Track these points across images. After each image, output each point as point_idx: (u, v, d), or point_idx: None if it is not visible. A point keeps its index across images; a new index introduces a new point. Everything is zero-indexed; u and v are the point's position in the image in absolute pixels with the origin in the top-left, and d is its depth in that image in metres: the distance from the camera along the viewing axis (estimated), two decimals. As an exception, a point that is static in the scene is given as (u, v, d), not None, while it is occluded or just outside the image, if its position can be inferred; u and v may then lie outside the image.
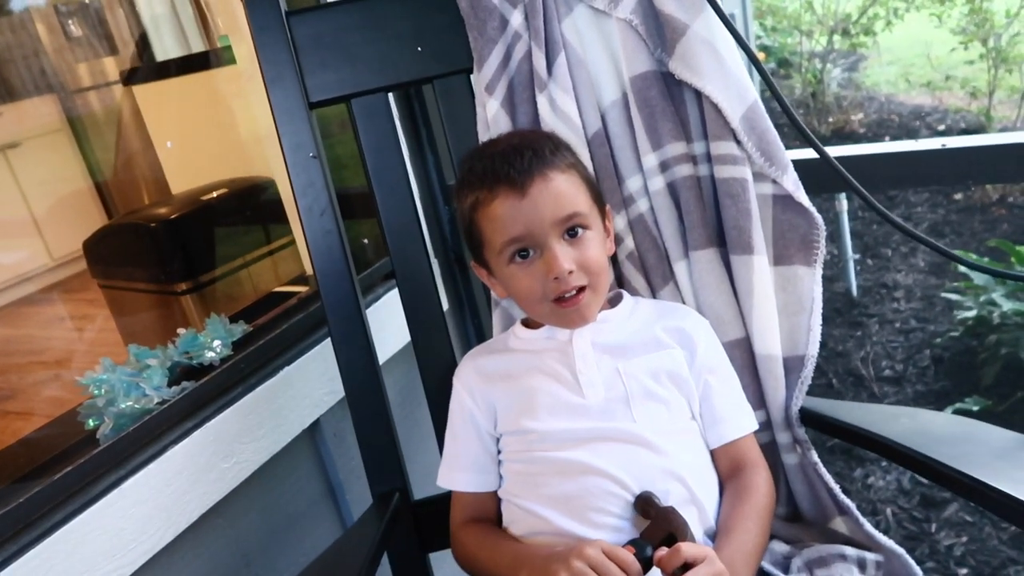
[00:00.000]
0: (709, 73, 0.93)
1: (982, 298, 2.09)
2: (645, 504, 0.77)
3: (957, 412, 1.98)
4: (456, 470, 0.91)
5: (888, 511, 1.78)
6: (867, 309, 2.59)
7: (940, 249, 0.92)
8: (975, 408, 1.96)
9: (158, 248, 1.49)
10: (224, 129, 1.78)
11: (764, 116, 0.95)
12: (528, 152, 0.82)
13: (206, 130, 1.83)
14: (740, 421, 0.88)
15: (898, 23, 4.38)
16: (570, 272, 0.81)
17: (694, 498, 0.81)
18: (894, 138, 4.21)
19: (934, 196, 3.29)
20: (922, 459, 0.71)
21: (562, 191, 0.82)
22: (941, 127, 4.23)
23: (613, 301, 0.93)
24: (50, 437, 1.04)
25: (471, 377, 0.92)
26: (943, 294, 2.52)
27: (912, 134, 4.21)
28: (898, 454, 0.76)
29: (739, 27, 4.42)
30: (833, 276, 2.80)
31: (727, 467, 0.86)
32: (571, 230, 0.82)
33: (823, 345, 0.99)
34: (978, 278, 2.14)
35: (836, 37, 4.56)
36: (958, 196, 3.23)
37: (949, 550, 1.65)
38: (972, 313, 2.15)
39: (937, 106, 4.39)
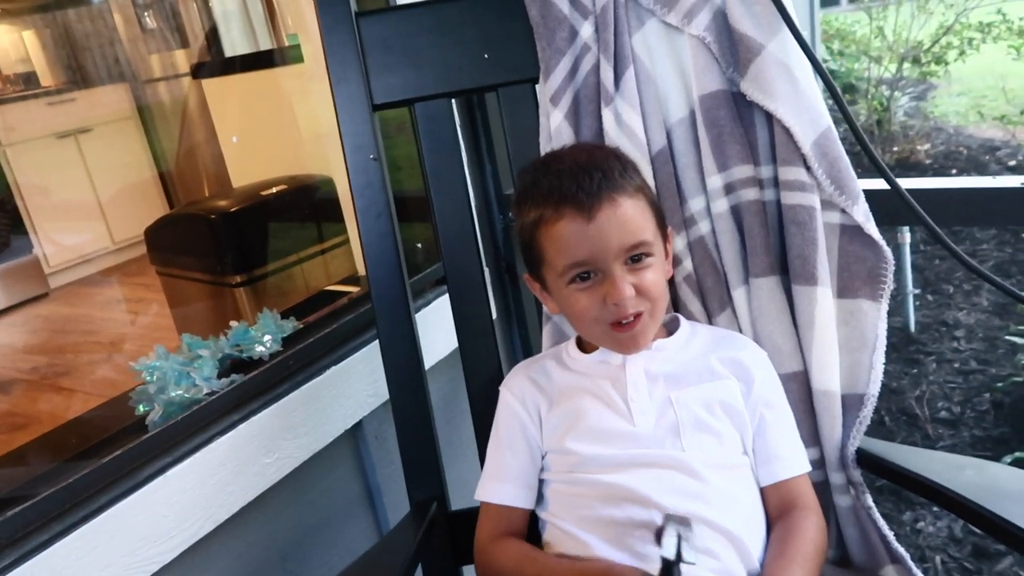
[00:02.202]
0: (782, 96, 0.90)
1: (1050, 343, 2.01)
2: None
3: (1016, 461, 1.89)
4: (501, 481, 0.88)
5: (937, 559, 1.71)
6: (925, 347, 2.50)
7: (1014, 293, 0.88)
8: (1036, 458, 1.87)
9: (216, 240, 1.51)
10: (286, 126, 1.80)
11: (837, 143, 0.92)
12: (598, 173, 0.80)
13: (269, 126, 1.86)
14: (794, 460, 0.84)
15: (972, 54, 4.25)
16: (629, 298, 0.79)
17: (737, 535, 0.78)
18: (961, 171, 4.08)
19: (1001, 234, 3.17)
20: (990, 516, 0.68)
21: (630, 217, 0.80)
22: (1012, 162, 4.09)
23: (669, 326, 0.91)
24: (102, 418, 1.06)
25: (523, 386, 0.90)
26: (1007, 336, 2.43)
27: (981, 168, 4.07)
28: (963, 508, 0.72)
29: (806, 50, 4.34)
30: (891, 310, 2.71)
31: (777, 507, 0.83)
32: (635, 257, 0.80)
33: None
34: (1046, 322, 2.05)
35: (906, 65, 4.44)
36: (1027, 234, 3.11)
37: (1002, 605, 1.58)
38: (1038, 358, 2.06)
39: (1009, 140, 4.24)
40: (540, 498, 0.88)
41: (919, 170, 4.19)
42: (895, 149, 4.39)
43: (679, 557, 0.65)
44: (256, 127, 1.95)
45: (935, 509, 1.80)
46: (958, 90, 5.39)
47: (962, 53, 4.30)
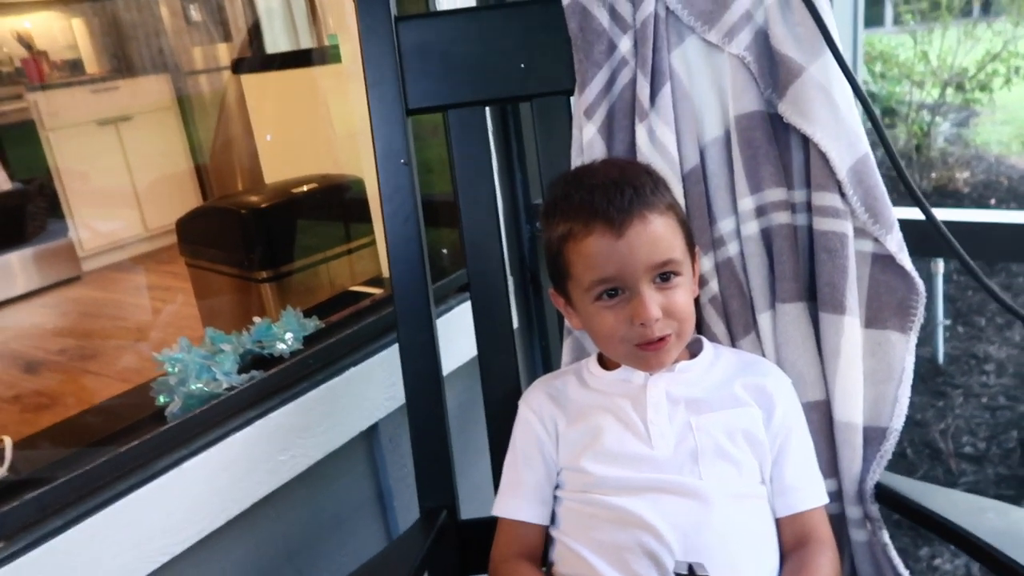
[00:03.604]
0: (821, 120, 0.89)
1: (1084, 384, 1.95)
2: None
3: (1043, 503, 1.85)
4: (517, 498, 0.87)
5: (955, 597, 1.67)
6: (952, 379, 2.46)
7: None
8: (1064, 501, 1.82)
9: (245, 234, 1.53)
10: (321, 125, 1.81)
11: (874, 170, 0.90)
12: (629, 189, 0.79)
13: (304, 124, 1.87)
14: (811, 492, 0.83)
15: (1018, 82, 4.17)
16: (657, 320, 0.78)
17: (745, 568, 0.77)
18: (1000, 202, 4.00)
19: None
20: (1010, 564, 0.66)
21: (660, 235, 0.79)
22: (1054, 196, 4.01)
23: (692, 348, 0.89)
24: (123, 406, 1.07)
25: (541, 402, 0.89)
26: (1040, 373, 2.38)
27: (1021, 200, 4.00)
28: (983, 553, 0.70)
29: (847, 71, 4.29)
30: (920, 340, 2.67)
31: (791, 539, 0.81)
32: (664, 275, 0.79)
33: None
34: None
35: (948, 90, 4.37)
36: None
37: (1020, 650, 1.53)
38: (1071, 398, 2.01)
39: (1053, 173, 4.16)
40: (551, 515, 0.87)
41: (956, 198, 4.12)
42: (933, 175, 4.33)
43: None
44: (291, 124, 1.97)
45: (953, 547, 1.76)
46: (1001, 118, 5.29)
47: (1008, 81, 4.22)
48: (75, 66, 4.21)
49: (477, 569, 0.99)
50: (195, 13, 4.12)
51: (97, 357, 2.68)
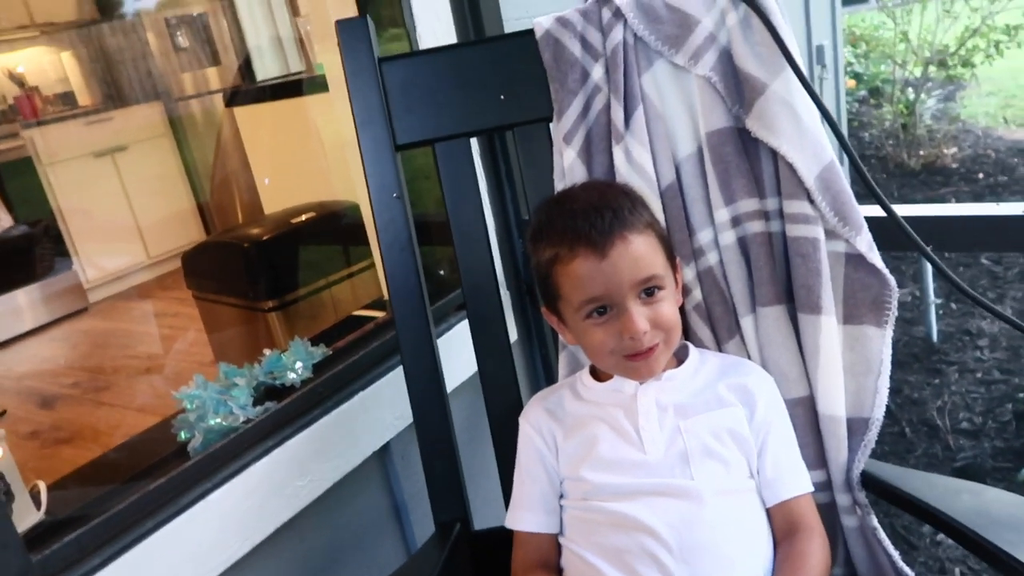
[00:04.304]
0: (785, 133, 0.94)
1: (1074, 354, 2.00)
2: None
3: (1039, 473, 1.89)
4: (524, 510, 0.93)
5: (957, 571, 1.72)
6: (947, 356, 2.50)
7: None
8: (1059, 469, 1.87)
9: (249, 267, 1.58)
10: (314, 152, 1.86)
11: (840, 176, 0.95)
12: (608, 212, 0.84)
13: (298, 152, 1.92)
14: (795, 480, 0.88)
15: (999, 57, 4.20)
16: (645, 332, 0.83)
17: (743, 562, 0.82)
18: (989, 175, 4.03)
19: None
20: (980, 541, 0.71)
21: (641, 253, 0.84)
22: (1042, 165, 4.04)
23: (679, 355, 0.94)
24: (147, 443, 1.13)
25: (540, 417, 0.94)
26: (1032, 346, 2.42)
27: (1009, 171, 4.03)
28: (956, 531, 0.75)
29: (828, 56, 4.33)
30: (913, 319, 2.71)
31: (781, 527, 0.86)
32: (648, 290, 0.85)
33: (897, 392, 0.98)
34: (1070, 332, 2.04)
35: (931, 68, 4.41)
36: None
37: (1022, 617, 1.58)
38: (1062, 369, 2.05)
39: (1039, 143, 4.19)
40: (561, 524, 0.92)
41: (945, 175, 4.15)
42: (921, 153, 4.36)
43: None
44: (285, 153, 2.02)
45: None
46: (987, 90, 5.32)
47: (988, 56, 4.25)
48: (67, 99, 4.26)
49: (492, 577, 1.04)
50: (182, 39, 4.17)
51: (111, 388, 2.73)
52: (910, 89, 4.64)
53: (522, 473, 0.94)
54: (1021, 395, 2.24)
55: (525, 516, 0.92)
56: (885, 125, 4.63)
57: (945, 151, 4.32)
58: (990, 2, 4.04)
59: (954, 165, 4.22)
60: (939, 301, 2.68)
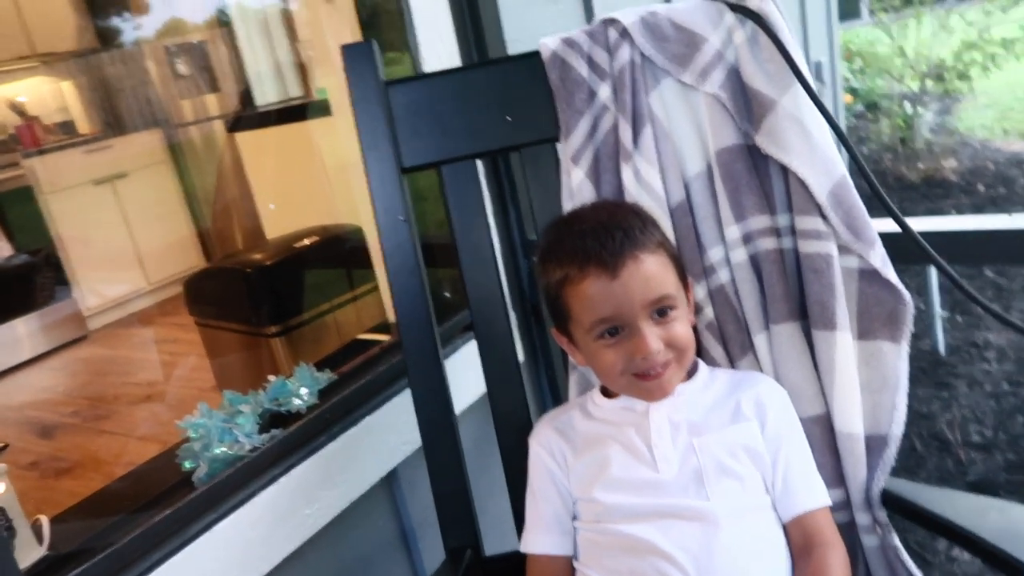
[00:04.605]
0: (796, 149, 0.93)
1: (1083, 366, 1.98)
2: None
3: (1053, 487, 1.87)
4: (539, 532, 0.91)
5: (974, 588, 1.69)
6: (955, 369, 2.48)
7: (1035, 335, 0.89)
8: (1073, 483, 1.85)
9: (252, 292, 1.57)
10: (316, 176, 1.86)
11: (852, 191, 0.94)
12: (619, 232, 0.83)
13: (300, 177, 1.92)
14: (811, 493, 0.86)
15: (997, 70, 4.23)
16: (658, 352, 0.82)
17: None
18: (989, 187, 4.04)
19: None
20: (1015, 563, 0.69)
21: (652, 273, 0.83)
22: (1040, 177, 4.04)
23: (689, 372, 0.93)
24: (150, 473, 1.11)
25: (550, 438, 0.93)
26: (1040, 358, 2.40)
27: (1008, 184, 4.03)
28: (987, 552, 0.73)
29: (826, 72, 4.35)
30: (919, 333, 2.70)
31: (799, 542, 0.84)
32: (660, 310, 0.83)
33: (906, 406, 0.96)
34: (1079, 344, 2.04)
35: (929, 82, 4.43)
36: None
37: (1042, 636, 1.55)
38: (1072, 381, 2.04)
39: (1037, 155, 4.20)
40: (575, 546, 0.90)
41: (945, 187, 4.16)
42: (920, 167, 4.36)
43: None
44: (287, 178, 2.02)
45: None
46: (984, 103, 5.34)
47: (985, 69, 4.27)
48: (67, 127, 4.28)
49: (505, 604, 1.02)
50: (182, 66, 4.19)
51: (111, 417, 2.71)
52: (907, 103, 4.67)
53: (534, 495, 0.92)
54: (1032, 408, 2.22)
55: (539, 539, 0.90)
56: (883, 139, 4.64)
57: (944, 164, 4.33)
58: (986, 15, 4.07)
59: (953, 178, 4.23)
60: (945, 314, 2.67)
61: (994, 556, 0.73)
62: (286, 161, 2.01)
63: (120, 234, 3.92)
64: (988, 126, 5.05)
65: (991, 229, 1.01)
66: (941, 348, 2.59)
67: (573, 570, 0.90)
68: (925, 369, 2.50)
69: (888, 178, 4.42)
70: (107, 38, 4.26)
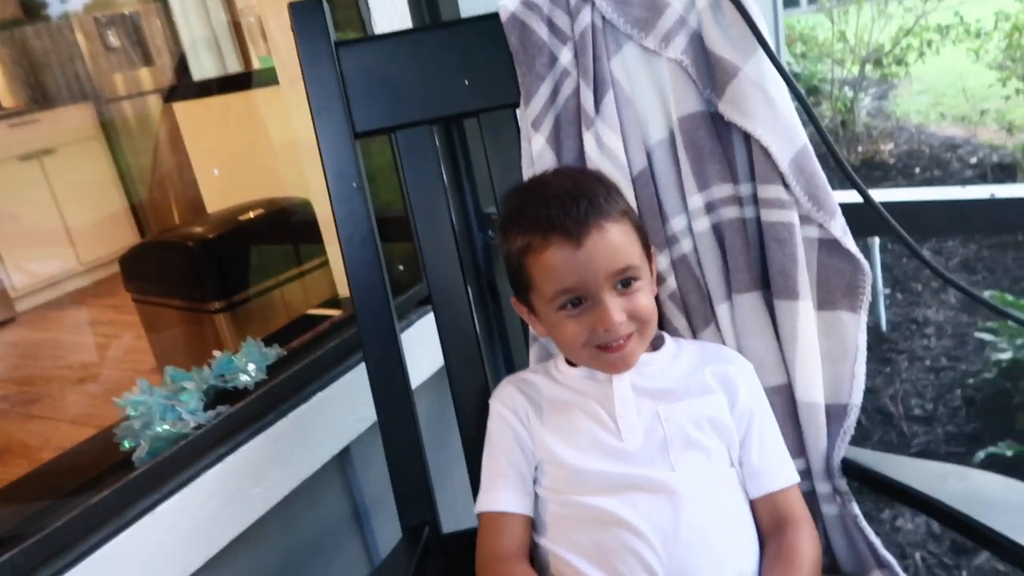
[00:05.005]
0: (759, 116, 0.92)
1: (1019, 341, 2.06)
2: None
3: (990, 456, 1.94)
4: (497, 490, 0.87)
5: (917, 556, 1.74)
6: (896, 345, 2.56)
7: (1007, 314, 0.90)
8: (1009, 453, 1.92)
9: (194, 266, 1.50)
10: (260, 148, 1.79)
11: (813, 160, 0.94)
12: (584, 200, 0.81)
13: (243, 149, 1.85)
14: (781, 472, 0.86)
15: (932, 55, 4.35)
16: (621, 323, 0.80)
17: (728, 558, 0.79)
18: (924, 169, 4.17)
19: (966, 231, 3.24)
20: (977, 526, 0.69)
21: (617, 243, 0.81)
22: (973, 159, 4.18)
23: (655, 343, 0.92)
24: (87, 455, 1.05)
25: (514, 397, 0.90)
26: (976, 333, 2.48)
27: (943, 166, 4.17)
28: (948, 517, 0.74)
29: (770, 54, 4.39)
30: (862, 310, 2.76)
31: (769, 521, 0.84)
32: (624, 281, 0.81)
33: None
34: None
35: (868, 67, 4.53)
36: (991, 232, 3.18)
37: (980, 600, 1.62)
38: (1008, 355, 2.11)
39: (969, 139, 4.35)
40: (533, 523, 0.88)
41: (883, 169, 4.27)
42: (860, 150, 4.47)
43: None
44: (229, 150, 1.94)
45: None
46: (919, 89, 5.50)
47: (922, 54, 4.40)
48: (-10, 101, 4.06)
49: (464, 582, 1.00)
50: (113, 38, 4.01)
51: (42, 400, 2.59)
52: (847, 88, 4.77)
53: (495, 454, 0.89)
54: (970, 381, 2.29)
55: (499, 496, 0.87)
56: (824, 122, 4.74)
57: (882, 147, 4.45)
58: (923, 2, 4.18)
59: (891, 160, 4.35)
60: (887, 291, 2.74)
61: (955, 520, 0.74)
62: (228, 132, 1.93)
63: (49, 212, 3.74)
64: (923, 111, 5.20)
65: (947, 200, 1.02)
66: (883, 324, 2.66)
67: (533, 537, 0.87)
68: (868, 345, 2.54)
69: (829, 160, 4.51)
70: (32, 10, 4.04)
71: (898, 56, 4.43)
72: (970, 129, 4.38)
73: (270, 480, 1.07)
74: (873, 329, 2.68)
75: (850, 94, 4.70)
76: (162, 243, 1.75)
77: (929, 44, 4.31)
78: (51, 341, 3.37)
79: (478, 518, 0.90)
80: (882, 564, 0.91)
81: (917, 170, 4.21)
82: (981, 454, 1.96)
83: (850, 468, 0.91)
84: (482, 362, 1.04)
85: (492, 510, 0.87)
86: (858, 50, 4.48)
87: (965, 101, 4.51)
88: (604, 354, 0.83)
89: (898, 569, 0.90)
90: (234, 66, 2.01)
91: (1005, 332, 2.17)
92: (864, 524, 0.92)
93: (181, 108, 2.10)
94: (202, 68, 2.06)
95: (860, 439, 2.16)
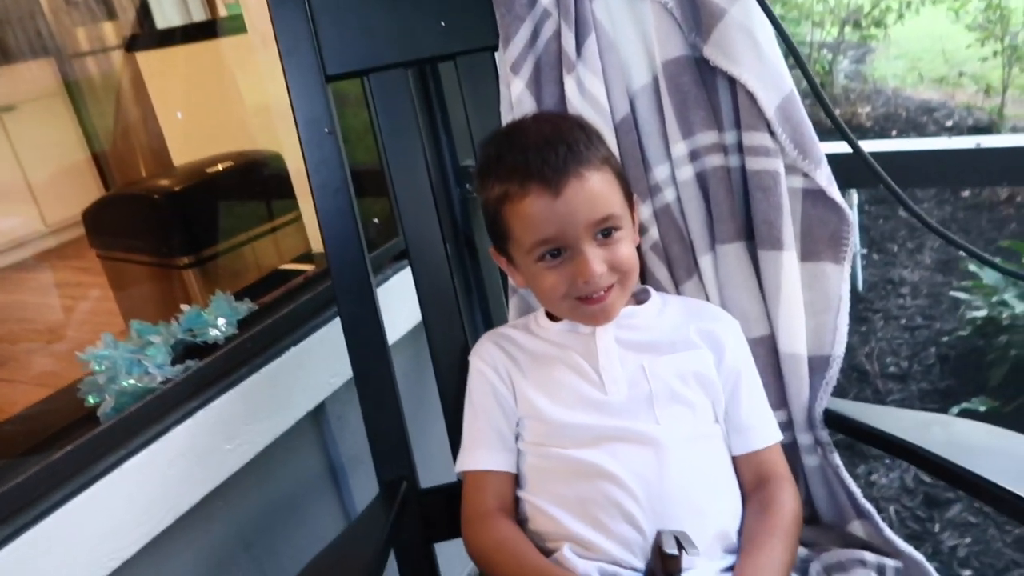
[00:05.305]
0: (745, 61, 0.89)
1: (993, 298, 2.08)
2: (657, 547, 0.72)
3: (963, 412, 1.96)
4: (480, 448, 0.85)
5: (891, 509, 1.77)
6: (872, 304, 2.57)
7: (993, 263, 0.89)
8: (982, 408, 1.95)
9: (161, 220, 1.45)
10: (228, 99, 1.73)
11: (800, 107, 0.91)
12: (563, 147, 0.77)
13: (210, 100, 1.79)
14: (766, 430, 0.85)
15: (911, 16, 4.33)
16: (601, 275, 0.78)
17: (709, 510, 0.78)
18: (901, 133, 4.17)
19: (941, 192, 3.26)
20: (961, 473, 0.69)
21: (597, 192, 0.78)
22: (949, 123, 4.20)
23: (639, 297, 0.90)
24: (49, 412, 1.01)
25: (494, 354, 0.88)
26: (951, 293, 2.50)
27: (919, 129, 4.17)
28: (933, 465, 0.73)
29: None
30: (839, 270, 2.77)
31: (751, 479, 0.83)
32: (605, 231, 0.79)
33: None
34: (988, 277, 2.13)
35: (847, 28, 4.51)
36: (965, 193, 3.20)
37: (953, 551, 1.64)
38: (982, 313, 2.13)
39: (946, 102, 4.35)
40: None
41: (861, 132, 4.26)
42: (837, 112, 4.45)
43: (680, 550, 0.67)
44: (196, 101, 1.88)
45: (888, 461, 1.86)
46: (895, 53, 5.49)
47: (900, 16, 4.37)
48: (-56, 57, 3.91)
49: (442, 537, 0.99)
50: (74, -9, 3.86)
51: (7, 363, 2.53)
52: (825, 51, 4.74)
53: (476, 411, 0.87)
54: (944, 339, 2.32)
55: (481, 455, 0.85)
56: (803, 85, 4.71)
57: (860, 110, 4.44)
58: (904, -39, 4.15)
59: (868, 123, 4.35)
60: (863, 251, 2.75)
61: (940, 468, 0.74)
62: (194, 83, 1.86)
63: (12, 172, 3.63)
64: (900, 75, 5.19)
65: (932, 150, 1.01)
66: (860, 284, 2.68)
67: (517, 495, 0.85)
68: (844, 304, 2.57)
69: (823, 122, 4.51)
70: (-12, -34, 3.87)
71: (877, 18, 4.40)
72: (947, 92, 4.38)
73: (243, 436, 1.04)
74: (850, 289, 2.70)
75: (829, 57, 4.68)
76: (126, 196, 1.70)
77: (908, 4, 4.28)
78: (16, 303, 3.29)
79: (459, 477, 0.88)
80: (862, 514, 0.91)
81: (894, 133, 4.21)
82: (955, 410, 1.98)
83: (832, 419, 0.90)
84: (460, 317, 1.01)
85: (475, 469, 0.86)
86: (837, 11, 4.44)
87: (944, 63, 4.51)
88: (584, 306, 0.81)
89: (877, 518, 0.90)
90: (200, 14, 1.93)
91: (980, 291, 2.19)
92: (845, 475, 0.91)
93: (144, 58, 2.02)
94: (166, 16, 1.98)
95: (837, 396, 2.18)
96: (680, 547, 0.68)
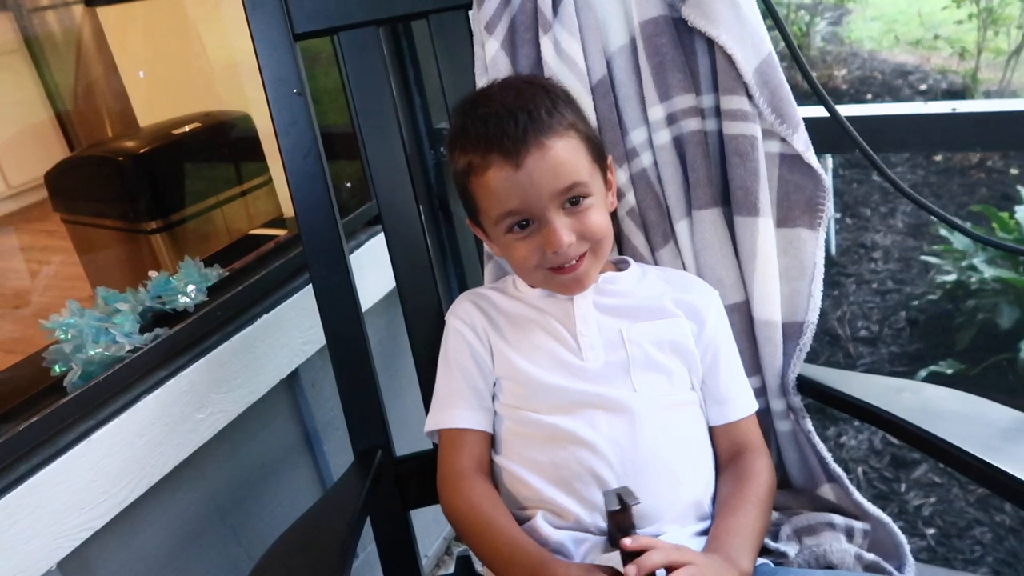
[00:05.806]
0: (724, 22, 0.88)
1: (963, 263, 2.10)
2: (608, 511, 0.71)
3: (931, 375, 2.00)
4: (457, 407, 0.84)
5: (859, 470, 1.80)
6: (845, 269, 2.60)
7: (964, 230, 0.90)
8: (949, 371, 1.98)
9: (127, 183, 1.41)
10: (195, 57, 1.68)
11: (778, 70, 0.90)
12: (523, 115, 0.76)
13: (176, 58, 1.73)
14: (743, 401, 0.85)
15: (889, -23, 4.31)
16: (570, 245, 0.77)
17: (684, 478, 0.79)
18: (876, 96, 4.18)
19: (914, 157, 3.28)
20: (930, 439, 0.70)
21: (560, 160, 0.76)
22: (923, 87, 4.21)
23: (620, 265, 0.89)
24: (12, 381, 0.99)
25: (471, 312, 0.87)
26: (921, 256, 2.53)
27: (894, 92, 4.18)
28: (901, 430, 0.74)
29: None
30: (812, 234, 2.78)
31: (727, 449, 0.84)
32: (572, 199, 0.77)
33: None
34: (958, 242, 2.15)
35: (825, -11, 4.48)
36: (938, 158, 3.22)
37: (918, 510, 1.68)
38: (952, 277, 2.16)
39: (921, 65, 4.36)
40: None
41: (837, 95, 4.26)
42: (814, 75, 4.45)
43: (624, 505, 0.66)
44: (161, 59, 1.81)
45: (856, 424, 1.89)
46: (872, 14, 5.47)
47: (877, -24, 4.35)
48: (-103, 10, 3.75)
49: (417, 504, 0.99)
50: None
51: (-32, 329, 2.48)
52: (803, 12, 4.71)
53: (452, 370, 0.86)
54: (914, 303, 2.35)
55: (458, 413, 0.84)
56: (779, 47, 4.69)
57: (836, 72, 4.43)
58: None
59: (844, 86, 4.34)
60: (837, 216, 2.77)
61: (910, 434, 0.74)
62: (158, 39, 1.80)
63: (-30, 132, 3.51)
64: (875, 38, 5.18)
65: (909, 114, 1.01)
66: (833, 249, 2.70)
67: (491, 455, 0.85)
68: (817, 269, 2.59)
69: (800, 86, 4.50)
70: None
71: (855, -23, 4.38)
72: (922, 55, 4.38)
73: (215, 405, 1.03)
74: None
75: (806, 18, 4.65)
76: (90, 158, 1.64)
77: (887, -35, 4.26)
78: (-20, 268, 3.22)
79: (431, 437, 0.88)
80: (832, 478, 0.92)
81: (869, 96, 4.22)
82: (923, 372, 2.02)
83: (805, 385, 0.91)
84: (435, 283, 1.00)
85: (450, 427, 0.84)
86: (815, -29, 4.41)
87: (919, 26, 4.50)
88: (557, 276, 0.80)
89: (847, 482, 0.91)
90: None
91: (950, 255, 2.21)
92: (816, 440, 0.93)
93: (105, 13, 1.95)
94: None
95: (808, 360, 2.21)
96: (623, 502, 0.68)
